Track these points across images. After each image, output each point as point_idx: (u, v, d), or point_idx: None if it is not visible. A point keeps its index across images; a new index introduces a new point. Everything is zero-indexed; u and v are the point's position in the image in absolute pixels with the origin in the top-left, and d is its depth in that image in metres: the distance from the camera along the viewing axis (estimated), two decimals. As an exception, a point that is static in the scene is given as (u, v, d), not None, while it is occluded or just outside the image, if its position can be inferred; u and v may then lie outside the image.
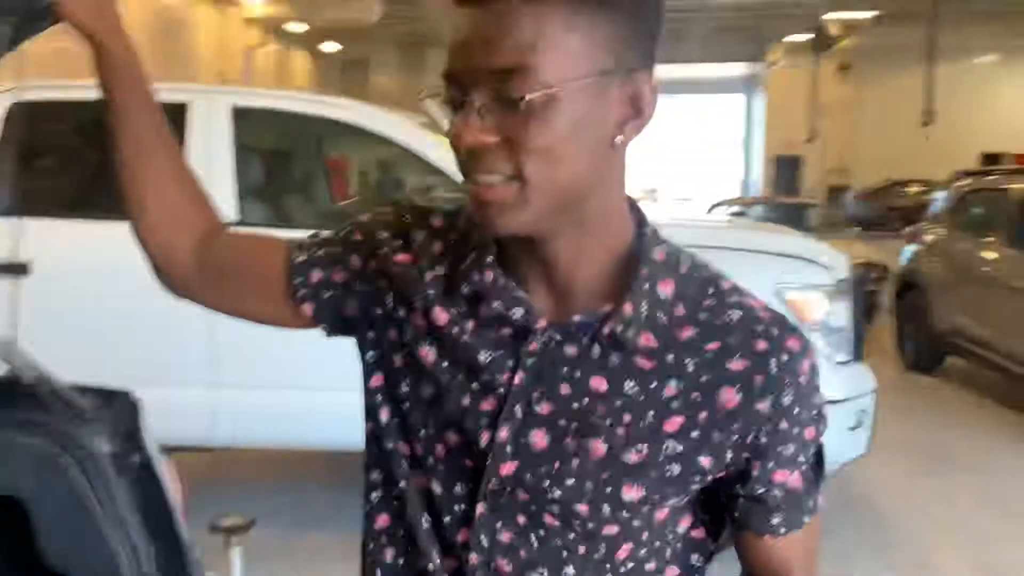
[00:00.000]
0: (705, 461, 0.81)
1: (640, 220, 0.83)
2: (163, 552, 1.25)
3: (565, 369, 0.80)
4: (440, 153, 3.66)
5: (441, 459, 0.84)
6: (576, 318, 0.80)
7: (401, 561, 0.88)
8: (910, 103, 16.09)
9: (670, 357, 0.79)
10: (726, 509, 0.87)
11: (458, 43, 0.75)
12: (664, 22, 0.80)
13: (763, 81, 25.75)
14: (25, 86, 3.55)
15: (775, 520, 0.85)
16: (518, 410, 0.80)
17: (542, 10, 0.72)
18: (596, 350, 0.80)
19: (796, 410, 0.81)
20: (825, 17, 19.17)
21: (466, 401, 0.82)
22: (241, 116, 3.73)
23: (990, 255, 6.27)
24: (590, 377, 0.80)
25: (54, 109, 3.79)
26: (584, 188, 0.77)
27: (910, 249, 7.58)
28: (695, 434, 0.80)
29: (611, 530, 0.81)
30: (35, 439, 1.18)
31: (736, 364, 0.79)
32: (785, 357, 0.80)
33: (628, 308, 0.78)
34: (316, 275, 0.91)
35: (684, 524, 0.87)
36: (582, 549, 0.82)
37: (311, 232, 0.96)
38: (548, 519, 0.81)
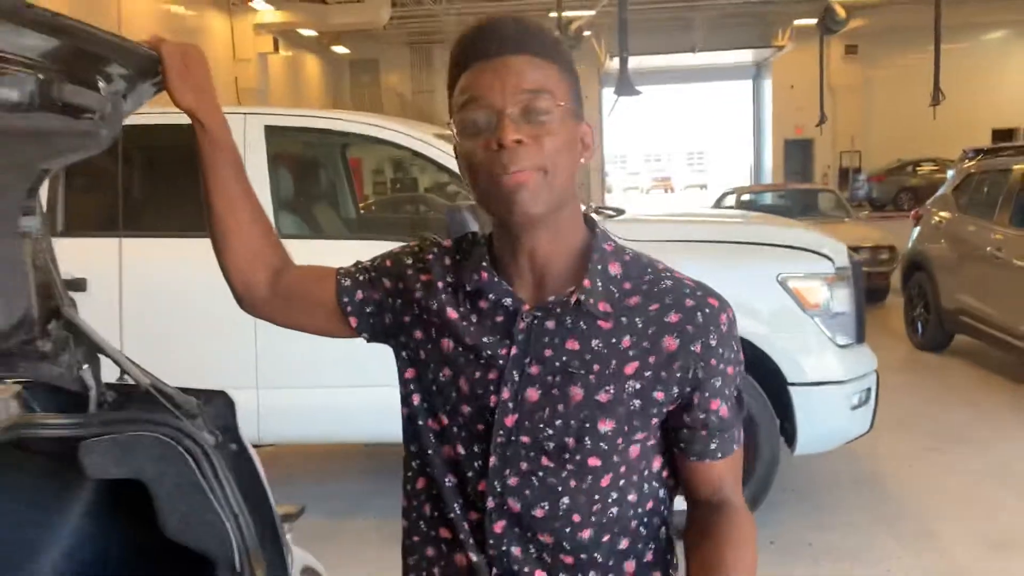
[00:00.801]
0: (658, 395, 1.06)
1: (591, 224, 1.13)
2: (259, 523, 1.52)
3: (547, 338, 1.07)
4: (442, 154, 3.92)
5: (461, 427, 1.10)
6: (551, 299, 1.07)
7: (436, 514, 1.15)
8: (919, 83, 16.09)
9: (623, 319, 1.07)
10: (674, 444, 1.11)
11: (485, 79, 1.04)
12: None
13: (771, 66, 25.74)
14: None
15: (713, 445, 1.10)
16: (515, 374, 1.07)
17: (547, 63, 1.06)
18: (568, 320, 1.07)
19: (720, 350, 1.07)
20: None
21: (477, 375, 1.09)
22: (273, 134, 3.99)
23: (994, 234, 6.40)
24: (565, 340, 1.07)
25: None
26: (569, 191, 1.07)
27: (917, 230, 7.74)
28: (648, 374, 1.06)
29: (595, 462, 1.06)
30: (155, 433, 1.44)
31: (672, 317, 1.07)
32: (708, 310, 1.07)
33: (587, 283, 1.07)
34: (359, 295, 1.19)
35: (656, 465, 1.12)
36: (573, 483, 1.06)
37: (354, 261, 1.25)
38: (544, 460, 1.06)
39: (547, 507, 1.07)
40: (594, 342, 1.06)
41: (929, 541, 3.81)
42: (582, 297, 1.05)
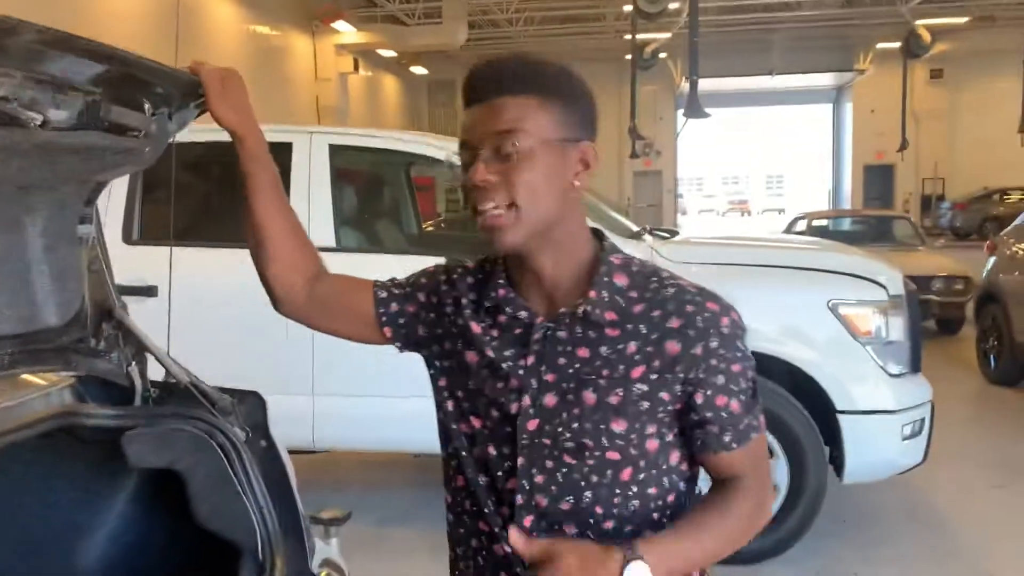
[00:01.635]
0: (664, 395, 1.14)
1: (601, 237, 1.21)
2: (284, 514, 1.62)
3: (560, 347, 1.16)
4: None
5: (490, 431, 1.19)
6: (562, 311, 1.16)
7: (474, 509, 1.24)
8: (1006, 108, 15.57)
9: (629, 326, 1.14)
10: (691, 441, 1.18)
11: (469, 122, 1.15)
12: (596, 106, 1.19)
13: (851, 89, 25.22)
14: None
15: (727, 438, 1.16)
16: (533, 382, 1.16)
17: (524, 100, 1.13)
18: (578, 330, 1.15)
19: (722, 351, 1.14)
20: (916, 23, 18.76)
21: (500, 385, 1.18)
22: (336, 153, 4.16)
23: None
24: (577, 349, 1.15)
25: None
26: (554, 216, 1.14)
27: (992, 260, 7.52)
28: (653, 376, 1.13)
29: (613, 456, 1.14)
30: (191, 428, 1.56)
31: (674, 323, 1.14)
32: (707, 314, 1.14)
33: (593, 294, 1.15)
34: (394, 307, 1.30)
35: (674, 458, 1.18)
36: (595, 478, 1.14)
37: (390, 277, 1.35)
38: (566, 458, 1.14)
39: (572, 501, 1.15)
40: (603, 349, 1.14)
41: (983, 580, 3.71)
42: (588, 308, 1.14)
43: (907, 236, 10.63)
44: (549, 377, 1.15)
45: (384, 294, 1.31)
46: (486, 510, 1.20)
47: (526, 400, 1.15)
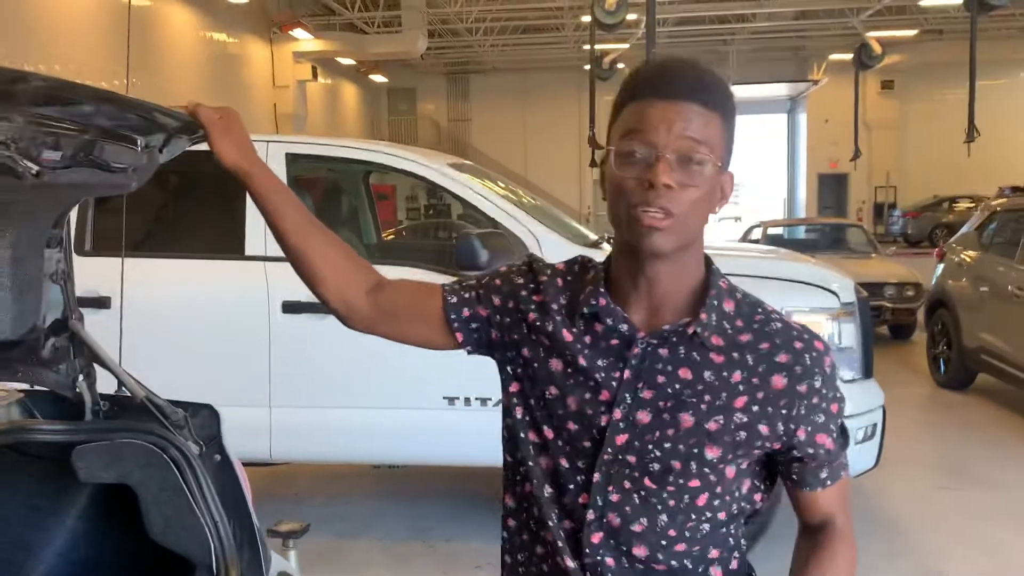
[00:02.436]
0: (763, 429, 1.14)
1: (708, 261, 1.20)
2: (239, 528, 1.61)
3: (659, 365, 1.14)
4: (456, 184, 4.03)
5: (566, 442, 1.17)
6: (666, 328, 1.14)
7: (542, 518, 1.20)
8: (955, 119, 15.96)
9: (735, 354, 1.14)
10: (786, 477, 1.21)
11: (655, 117, 1.10)
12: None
13: (806, 100, 25.67)
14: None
15: (823, 475, 1.19)
16: (627, 397, 1.14)
17: (711, 115, 1.12)
18: (681, 350, 1.14)
19: (824, 390, 1.16)
20: (867, 35, 19.18)
21: (587, 395, 1.15)
22: (294, 161, 4.14)
23: (1016, 273, 6.35)
24: (678, 369, 1.14)
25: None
26: (695, 236, 1.14)
27: (940, 267, 7.70)
28: (755, 408, 1.13)
29: (694, 483, 1.14)
30: (143, 441, 1.54)
31: (782, 357, 1.14)
32: (815, 353, 1.16)
33: (704, 316, 1.14)
34: (465, 312, 1.26)
35: (745, 486, 1.20)
36: (671, 502, 1.14)
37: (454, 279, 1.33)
38: (647, 481, 1.14)
39: (646, 523, 1.14)
40: (706, 373, 1.13)
41: (932, 580, 3.79)
42: (699, 329, 1.13)
43: (860, 244, 10.85)
44: (646, 394, 1.13)
45: (454, 299, 1.27)
46: (550, 523, 1.18)
47: (617, 414, 1.13)
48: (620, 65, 20.46)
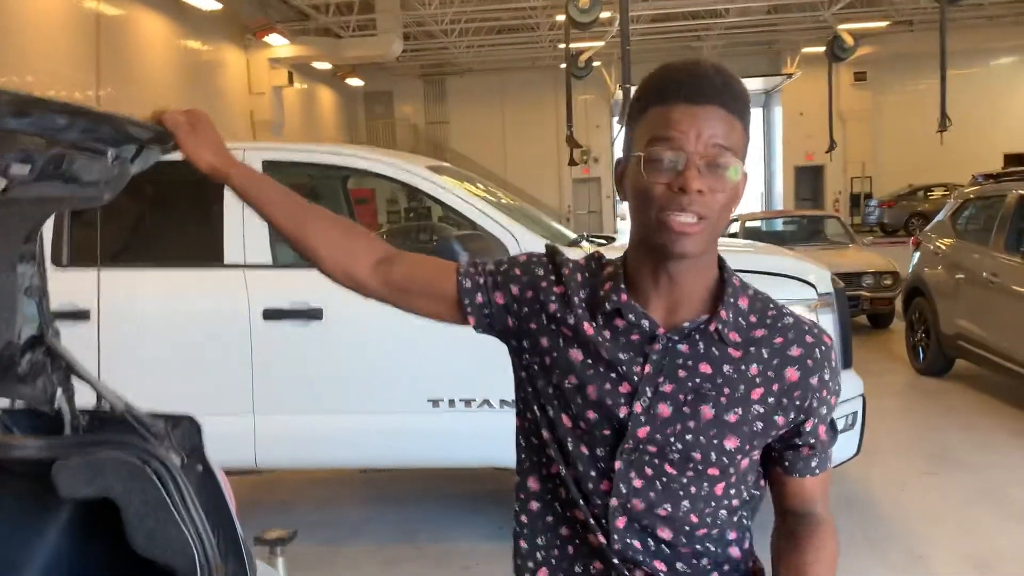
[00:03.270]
0: (779, 419, 1.19)
1: (721, 259, 1.23)
2: (223, 541, 1.61)
3: (680, 360, 1.17)
4: (435, 187, 4.04)
5: (585, 431, 1.20)
6: (686, 324, 1.17)
7: (569, 497, 1.23)
8: (928, 108, 16.14)
9: (751, 349, 1.18)
10: (778, 463, 1.24)
11: (683, 121, 1.11)
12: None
13: (780, 93, 25.86)
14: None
15: (814, 463, 1.23)
16: (648, 390, 1.17)
17: (735, 121, 1.14)
18: (701, 346, 1.18)
19: (831, 383, 1.21)
20: (839, 27, 19.35)
21: (608, 387, 1.18)
22: (270, 168, 4.12)
23: (989, 260, 6.43)
24: (699, 363, 1.17)
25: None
26: (718, 237, 1.18)
27: (917, 256, 7.78)
28: (771, 400, 1.18)
29: (714, 472, 1.18)
30: (125, 455, 1.54)
31: (795, 351, 1.19)
32: (824, 348, 1.20)
33: (723, 313, 1.17)
34: (479, 298, 1.28)
35: (752, 476, 1.25)
36: (693, 489, 1.18)
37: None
38: (668, 468, 1.17)
39: (669, 508, 1.18)
40: (725, 367, 1.17)
41: (917, 564, 3.83)
42: (719, 326, 1.17)
43: (837, 234, 10.95)
44: (667, 388, 1.16)
45: (468, 283, 1.28)
46: (581, 501, 1.21)
47: (638, 407, 1.16)
48: (596, 63, 20.52)
